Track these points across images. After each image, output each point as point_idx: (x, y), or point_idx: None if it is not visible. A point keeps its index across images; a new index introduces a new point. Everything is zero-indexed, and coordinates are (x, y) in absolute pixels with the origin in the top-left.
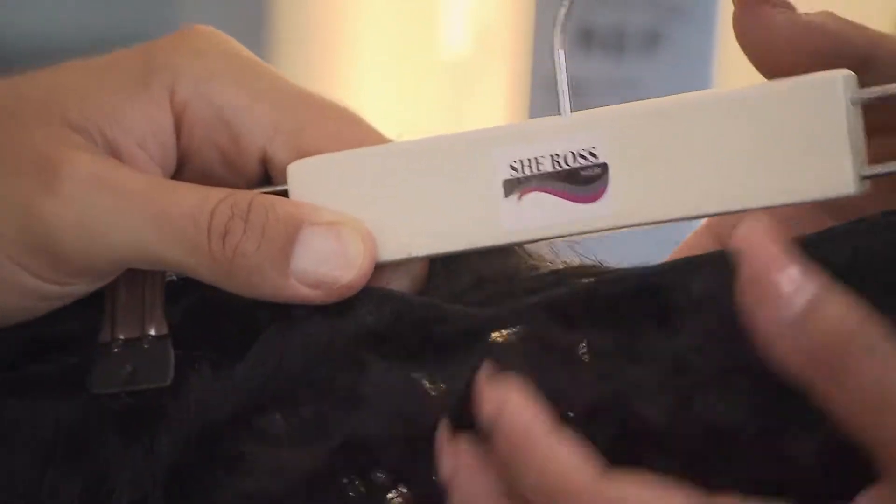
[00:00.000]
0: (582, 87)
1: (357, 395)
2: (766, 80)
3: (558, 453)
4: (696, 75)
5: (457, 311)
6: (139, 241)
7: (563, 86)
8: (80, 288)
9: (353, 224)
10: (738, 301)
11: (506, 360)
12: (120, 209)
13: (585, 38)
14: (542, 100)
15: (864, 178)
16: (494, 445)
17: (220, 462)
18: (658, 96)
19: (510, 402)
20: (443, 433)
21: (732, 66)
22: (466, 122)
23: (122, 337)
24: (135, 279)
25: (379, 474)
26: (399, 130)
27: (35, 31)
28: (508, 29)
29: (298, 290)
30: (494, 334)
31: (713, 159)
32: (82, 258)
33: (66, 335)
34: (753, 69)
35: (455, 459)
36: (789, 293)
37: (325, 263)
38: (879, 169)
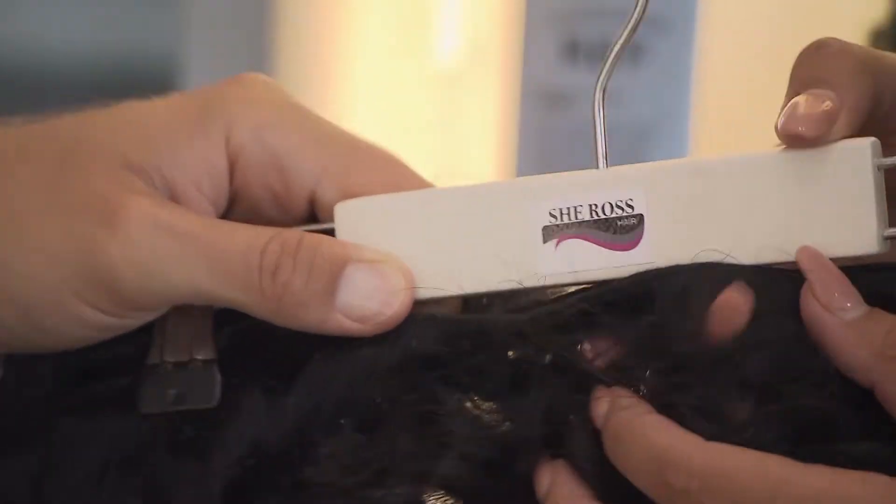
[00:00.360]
0: (568, 96)
1: (407, 420)
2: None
3: (664, 427)
4: (676, 86)
5: (498, 320)
6: (193, 280)
7: (601, 141)
8: (137, 320)
9: (395, 262)
10: (802, 309)
11: (542, 377)
12: (176, 250)
13: (572, 51)
14: (530, 109)
15: (887, 238)
16: (605, 435)
17: (275, 487)
18: (640, 105)
19: (620, 398)
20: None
21: (711, 79)
22: (458, 131)
23: (170, 360)
24: (185, 305)
25: (433, 497)
26: (435, 170)
27: (36, 38)
28: (499, 41)
29: (343, 323)
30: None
31: (745, 215)
32: (140, 295)
33: (119, 358)
34: (731, 82)
35: (553, 474)
36: (852, 300)
37: (369, 298)
38: None
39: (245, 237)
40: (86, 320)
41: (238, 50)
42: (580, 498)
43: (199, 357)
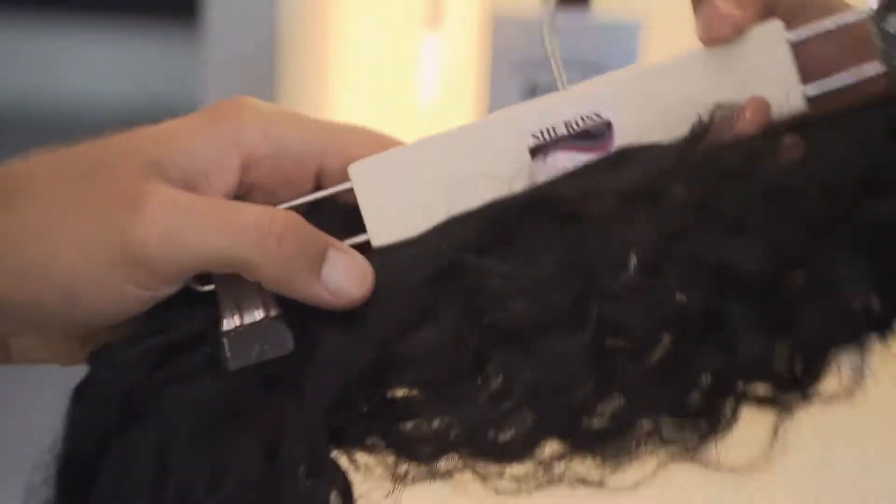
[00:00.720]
0: None
1: (472, 301)
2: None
3: None
4: None
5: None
6: (211, 247)
7: (558, 67)
8: (167, 291)
9: (361, 256)
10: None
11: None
12: (193, 224)
13: (532, 94)
14: None
15: (808, 97)
16: None
17: (369, 409)
18: None
19: None
20: None
21: None
22: None
23: (241, 323)
24: (240, 277)
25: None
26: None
27: (68, 88)
28: (471, 86)
29: (322, 294)
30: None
31: (692, 102)
32: (168, 266)
33: (193, 333)
34: None
35: None
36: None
37: (346, 277)
38: (818, 89)
39: (253, 210)
40: (125, 296)
41: (249, 87)
42: None
43: (267, 315)
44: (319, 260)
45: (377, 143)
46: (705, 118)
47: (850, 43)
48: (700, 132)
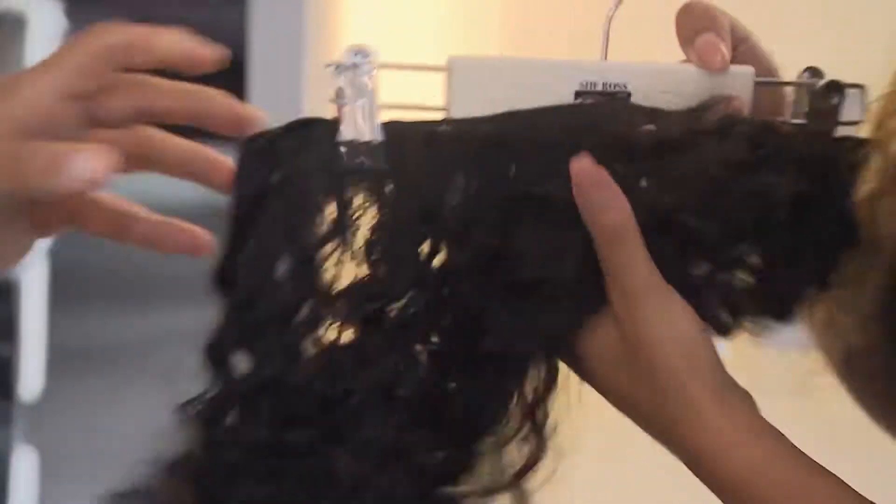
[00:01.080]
0: None
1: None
2: None
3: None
4: None
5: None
6: None
7: (606, 45)
8: (10, 219)
9: (97, 145)
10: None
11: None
12: None
13: None
14: None
15: None
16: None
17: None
18: None
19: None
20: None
21: None
22: None
23: (353, 139)
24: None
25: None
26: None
27: None
28: None
29: (68, 184)
30: None
31: (684, 98)
32: None
33: (318, 138)
34: None
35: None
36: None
37: (84, 166)
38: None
39: (7, 146)
40: None
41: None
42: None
43: (372, 138)
44: (52, 163)
45: (86, 53)
46: (709, 100)
47: (780, 95)
48: (708, 106)
